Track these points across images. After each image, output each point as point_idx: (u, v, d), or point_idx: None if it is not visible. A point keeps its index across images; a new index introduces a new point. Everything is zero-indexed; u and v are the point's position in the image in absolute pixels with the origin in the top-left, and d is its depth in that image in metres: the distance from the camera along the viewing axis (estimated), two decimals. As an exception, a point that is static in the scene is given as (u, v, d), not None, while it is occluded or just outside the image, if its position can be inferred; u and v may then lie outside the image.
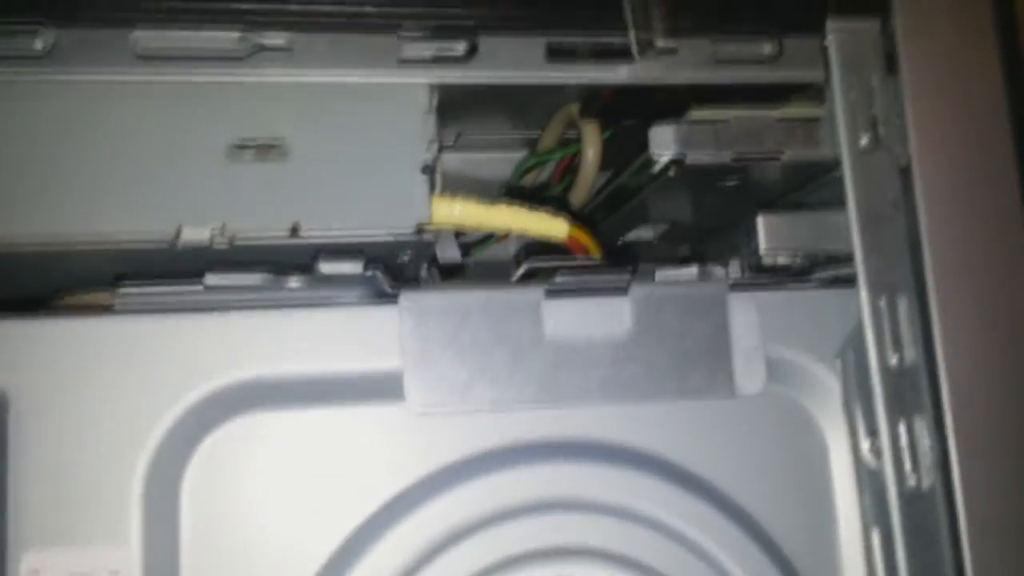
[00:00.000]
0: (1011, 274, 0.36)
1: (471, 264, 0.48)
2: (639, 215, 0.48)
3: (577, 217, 0.40)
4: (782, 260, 0.43)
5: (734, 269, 0.50)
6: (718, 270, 0.51)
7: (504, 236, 0.48)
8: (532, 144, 0.53)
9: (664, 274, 0.52)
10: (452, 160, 0.59)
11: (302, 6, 0.33)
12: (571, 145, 0.50)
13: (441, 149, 0.35)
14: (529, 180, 0.53)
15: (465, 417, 0.35)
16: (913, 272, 0.36)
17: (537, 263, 0.37)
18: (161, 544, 0.32)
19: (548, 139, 0.51)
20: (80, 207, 0.33)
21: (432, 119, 0.36)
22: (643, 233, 0.52)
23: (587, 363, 0.35)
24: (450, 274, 0.44)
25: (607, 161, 0.48)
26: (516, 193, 0.53)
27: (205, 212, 0.33)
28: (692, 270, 0.42)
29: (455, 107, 0.38)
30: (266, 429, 0.34)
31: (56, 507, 0.32)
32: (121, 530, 0.32)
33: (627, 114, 0.45)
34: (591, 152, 0.48)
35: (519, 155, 0.55)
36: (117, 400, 0.32)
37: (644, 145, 0.40)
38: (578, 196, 0.50)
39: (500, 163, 0.57)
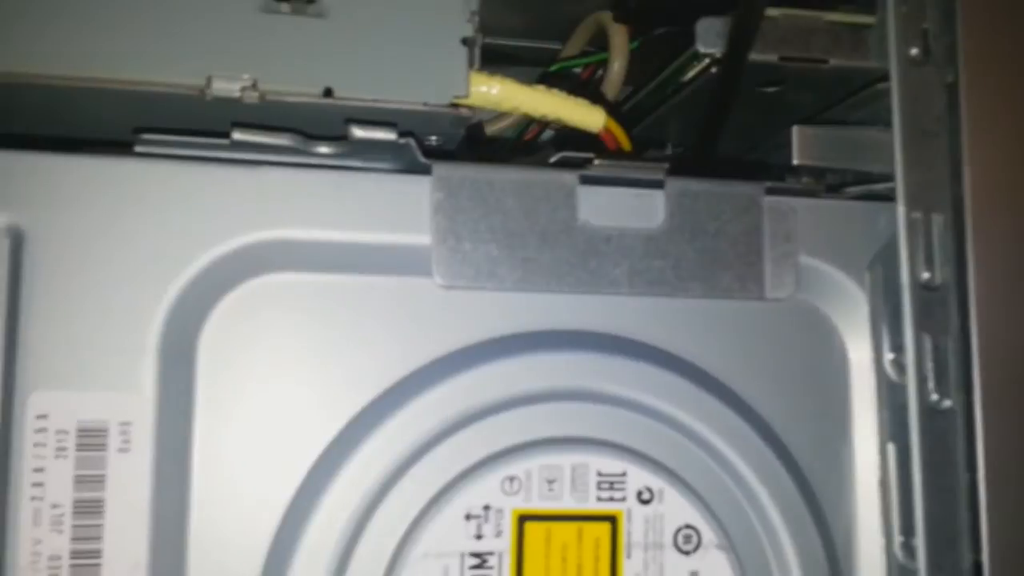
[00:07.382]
0: (1049, 200, 0.36)
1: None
2: (662, 130, 0.47)
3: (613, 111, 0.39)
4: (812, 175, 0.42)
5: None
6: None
7: (534, 134, 0.47)
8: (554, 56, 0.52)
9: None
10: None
11: None
12: (597, 54, 0.48)
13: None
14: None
15: (489, 296, 0.34)
16: (951, 191, 0.36)
17: (571, 153, 0.36)
18: (176, 398, 0.31)
19: (571, 50, 0.50)
20: (113, 47, 0.31)
21: (475, -9, 0.34)
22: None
23: (617, 253, 0.34)
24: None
25: (629, 76, 0.47)
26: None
27: (236, 64, 0.32)
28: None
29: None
30: (288, 291, 0.33)
31: (69, 350, 0.30)
32: (136, 378, 0.30)
33: (658, 20, 0.44)
34: (617, 63, 0.47)
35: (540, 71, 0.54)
36: (139, 246, 0.31)
37: (671, 58, 0.39)
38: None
39: (521, 76, 0.56)
